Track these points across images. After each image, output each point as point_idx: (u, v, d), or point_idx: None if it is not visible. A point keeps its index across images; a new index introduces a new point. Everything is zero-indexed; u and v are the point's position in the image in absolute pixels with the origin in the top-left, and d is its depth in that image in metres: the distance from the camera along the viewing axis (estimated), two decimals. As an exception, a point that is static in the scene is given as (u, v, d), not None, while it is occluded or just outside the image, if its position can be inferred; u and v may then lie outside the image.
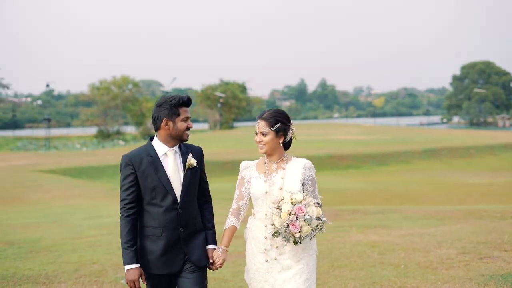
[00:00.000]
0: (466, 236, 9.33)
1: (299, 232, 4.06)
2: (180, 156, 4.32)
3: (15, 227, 12.61)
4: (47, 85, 71.90)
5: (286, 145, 4.46)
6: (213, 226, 4.48)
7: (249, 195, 4.45)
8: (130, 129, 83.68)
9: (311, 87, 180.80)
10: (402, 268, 7.57)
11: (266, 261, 4.29)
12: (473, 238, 9.12)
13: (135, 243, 4.17)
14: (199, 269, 4.31)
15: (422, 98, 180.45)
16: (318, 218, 4.11)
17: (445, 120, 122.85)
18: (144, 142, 55.21)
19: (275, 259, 4.27)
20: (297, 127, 4.43)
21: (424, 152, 41.34)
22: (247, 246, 4.47)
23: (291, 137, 4.44)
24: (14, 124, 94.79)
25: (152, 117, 4.31)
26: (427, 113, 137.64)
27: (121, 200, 4.21)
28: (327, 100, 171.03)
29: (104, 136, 65.92)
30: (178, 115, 4.23)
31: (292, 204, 4.09)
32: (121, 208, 4.21)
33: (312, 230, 4.09)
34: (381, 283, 6.98)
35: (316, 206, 4.13)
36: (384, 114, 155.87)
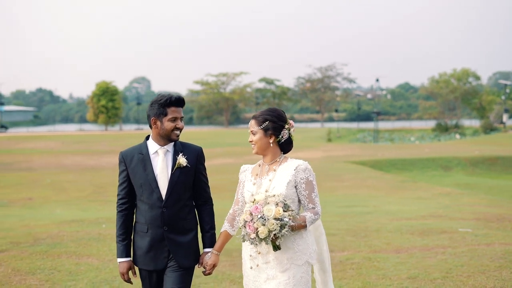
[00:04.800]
0: None
1: (255, 233, 3.85)
2: (172, 155, 4.32)
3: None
4: (377, 80, 74.64)
5: (285, 147, 4.23)
6: (212, 228, 4.44)
7: (244, 199, 4.28)
8: (473, 123, 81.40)
9: None
10: (558, 276, 7.31)
11: (251, 268, 4.15)
12: None
13: (126, 238, 4.34)
14: (182, 269, 4.30)
15: None
16: (278, 219, 3.83)
17: None
18: (484, 136, 53.08)
19: (257, 265, 4.10)
20: None
21: None
22: (242, 250, 4.36)
23: (289, 138, 4.19)
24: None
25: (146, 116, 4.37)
26: None
27: (117, 195, 4.38)
28: None
29: (442, 129, 64.95)
30: (166, 114, 4.22)
31: (253, 204, 3.93)
32: (116, 203, 4.38)
33: (269, 231, 3.82)
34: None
35: (277, 206, 3.86)
36: None
